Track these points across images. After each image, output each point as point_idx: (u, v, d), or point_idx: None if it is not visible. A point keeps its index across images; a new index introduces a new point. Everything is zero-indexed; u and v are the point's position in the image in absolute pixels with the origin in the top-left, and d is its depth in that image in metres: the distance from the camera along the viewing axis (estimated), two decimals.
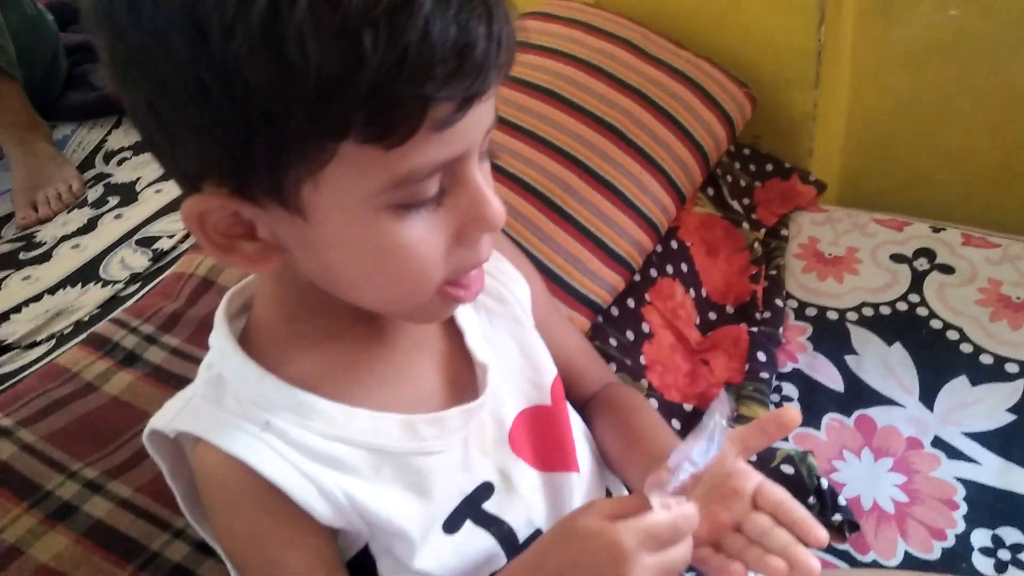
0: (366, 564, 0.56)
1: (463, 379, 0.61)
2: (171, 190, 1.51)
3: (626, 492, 0.71)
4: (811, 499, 0.86)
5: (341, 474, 0.52)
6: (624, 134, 1.11)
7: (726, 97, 1.24)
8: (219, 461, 0.51)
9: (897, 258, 1.16)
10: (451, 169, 0.46)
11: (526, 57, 1.18)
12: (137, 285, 1.27)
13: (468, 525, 0.58)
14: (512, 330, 0.66)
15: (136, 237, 1.41)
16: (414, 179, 0.44)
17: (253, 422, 0.51)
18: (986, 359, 1.00)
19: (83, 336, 0.85)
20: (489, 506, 0.60)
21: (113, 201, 1.56)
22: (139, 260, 1.34)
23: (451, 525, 0.57)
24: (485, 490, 0.60)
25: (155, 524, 0.68)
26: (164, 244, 1.37)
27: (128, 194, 1.57)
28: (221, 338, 0.55)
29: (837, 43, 1.27)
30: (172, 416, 0.54)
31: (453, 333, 0.62)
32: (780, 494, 0.53)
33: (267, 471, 0.50)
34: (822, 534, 0.51)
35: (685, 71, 1.22)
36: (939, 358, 1.01)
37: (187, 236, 1.31)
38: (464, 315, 0.63)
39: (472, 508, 0.59)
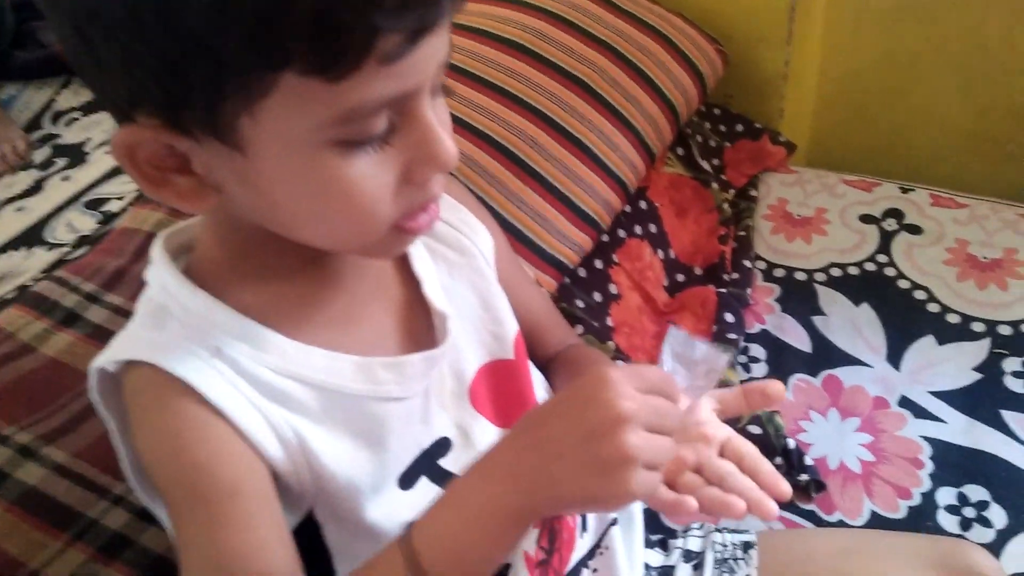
0: (311, 537, 0.52)
1: (420, 328, 0.58)
2: None
3: None
4: (778, 459, 0.85)
5: (291, 412, 0.49)
6: (593, 89, 1.08)
7: (698, 54, 1.21)
8: (160, 383, 0.46)
9: (866, 219, 1.15)
10: (400, 105, 0.43)
11: (491, 8, 1.14)
12: (84, 249, 1.22)
13: (424, 481, 0.56)
14: (473, 282, 0.63)
15: (84, 199, 1.36)
16: (360, 115, 0.41)
17: (202, 347, 0.48)
18: (953, 318, 0.99)
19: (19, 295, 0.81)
20: (446, 463, 0.57)
21: (61, 163, 1.50)
22: (87, 223, 1.29)
23: (407, 480, 0.55)
24: (442, 446, 0.57)
25: (92, 491, 0.64)
26: (113, 206, 1.32)
27: (76, 155, 1.51)
28: (162, 270, 0.51)
29: (810, 1, 1.24)
30: (111, 350, 0.50)
31: (409, 281, 0.59)
32: (748, 447, 0.52)
33: (216, 397, 0.46)
34: (786, 488, 0.50)
35: (656, 25, 1.18)
36: (906, 318, 1.01)
37: (139, 197, 1.26)
38: (421, 264, 0.60)
39: (429, 464, 0.56)
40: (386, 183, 0.45)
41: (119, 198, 1.32)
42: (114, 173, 1.42)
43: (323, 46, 0.38)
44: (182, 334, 0.49)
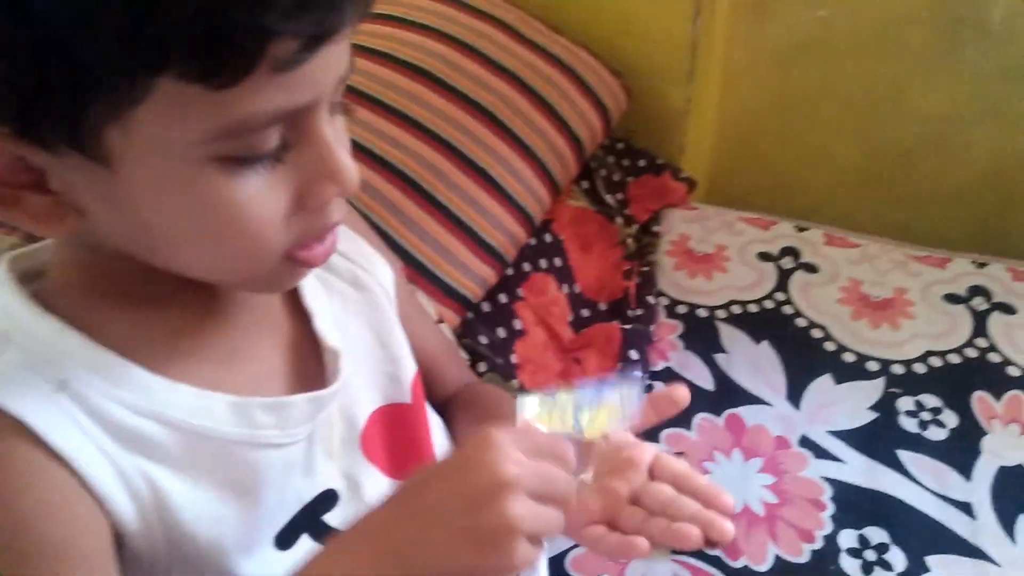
0: None
1: (309, 367, 0.52)
2: None
3: None
4: None
5: (147, 459, 0.43)
6: (498, 118, 1.06)
7: (602, 87, 1.20)
8: None
9: (764, 256, 1.17)
10: (295, 120, 0.39)
11: (395, 32, 1.10)
12: None
13: (304, 540, 0.50)
14: (369, 319, 0.58)
15: None
16: (248, 128, 0.37)
17: (44, 379, 0.41)
18: (849, 357, 1.01)
19: None
20: (331, 518, 0.52)
21: None
22: None
23: (285, 539, 0.49)
24: (327, 499, 0.52)
25: None
26: None
27: None
28: (5, 293, 0.44)
29: (711, 38, 1.26)
30: None
31: (299, 315, 0.54)
32: (680, 465, 0.49)
33: (55, 438, 0.39)
34: (728, 500, 0.47)
35: (561, 57, 1.17)
36: (805, 356, 1.02)
37: None
38: (313, 296, 0.54)
39: (310, 520, 0.51)
40: (277, 206, 0.40)
41: None
42: None
43: (207, 48, 0.33)
44: (21, 362, 0.41)
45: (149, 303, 0.46)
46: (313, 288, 0.55)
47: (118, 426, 0.42)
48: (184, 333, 0.47)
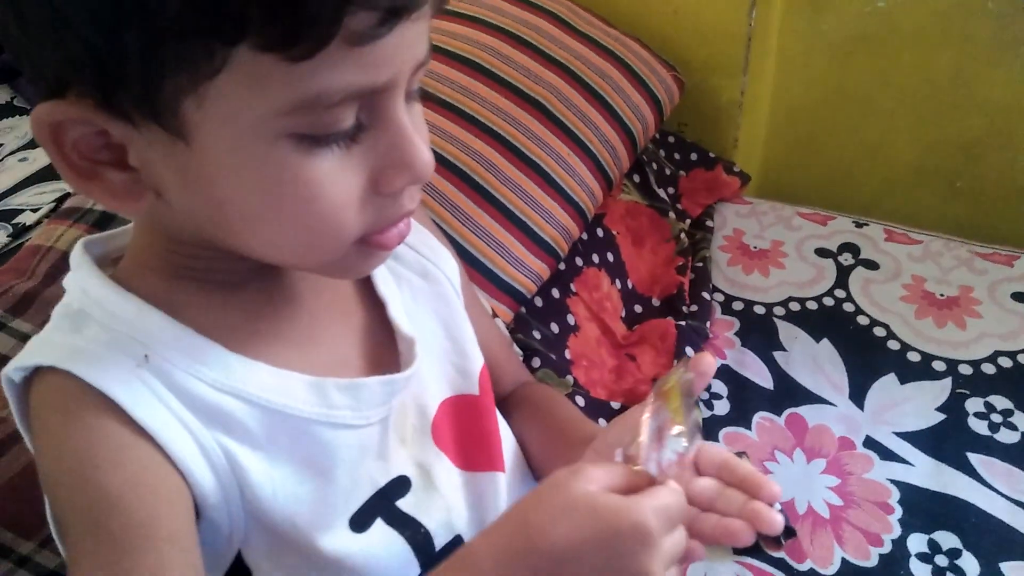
0: None
1: (383, 353, 0.52)
2: (39, 158, 1.35)
3: None
4: None
5: (228, 436, 0.43)
6: (550, 111, 1.04)
7: (655, 79, 1.18)
8: (72, 393, 0.39)
9: (822, 252, 1.14)
10: (371, 102, 0.38)
11: (447, 25, 1.09)
12: None
13: (379, 525, 0.50)
14: (438, 310, 0.58)
15: None
16: (323, 104, 0.36)
17: (126, 355, 0.41)
18: (913, 356, 0.98)
19: None
20: (405, 505, 0.51)
21: None
22: None
23: (359, 522, 0.49)
24: (401, 485, 0.51)
25: None
26: (27, 219, 1.21)
27: None
28: (84, 274, 0.44)
29: (766, 30, 1.24)
30: (19, 356, 0.42)
31: (373, 303, 0.54)
32: (722, 453, 0.46)
33: (140, 413, 0.39)
34: (775, 489, 0.45)
35: (614, 49, 1.16)
36: (867, 355, 0.99)
37: (55, 209, 1.16)
38: (385, 285, 0.54)
39: (384, 505, 0.50)
40: (352, 188, 0.39)
41: (34, 210, 1.21)
42: (29, 182, 1.31)
43: (283, 18, 0.33)
44: (104, 339, 0.42)
45: (225, 287, 0.46)
46: (384, 277, 0.55)
47: (200, 401, 0.42)
48: (260, 316, 0.47)
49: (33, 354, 0.42)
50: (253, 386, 0.44)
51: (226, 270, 0.45)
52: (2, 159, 1.40)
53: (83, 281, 0.44)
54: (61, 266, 0.74)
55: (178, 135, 0.36)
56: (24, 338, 0.69)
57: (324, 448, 0.46)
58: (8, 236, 1.18)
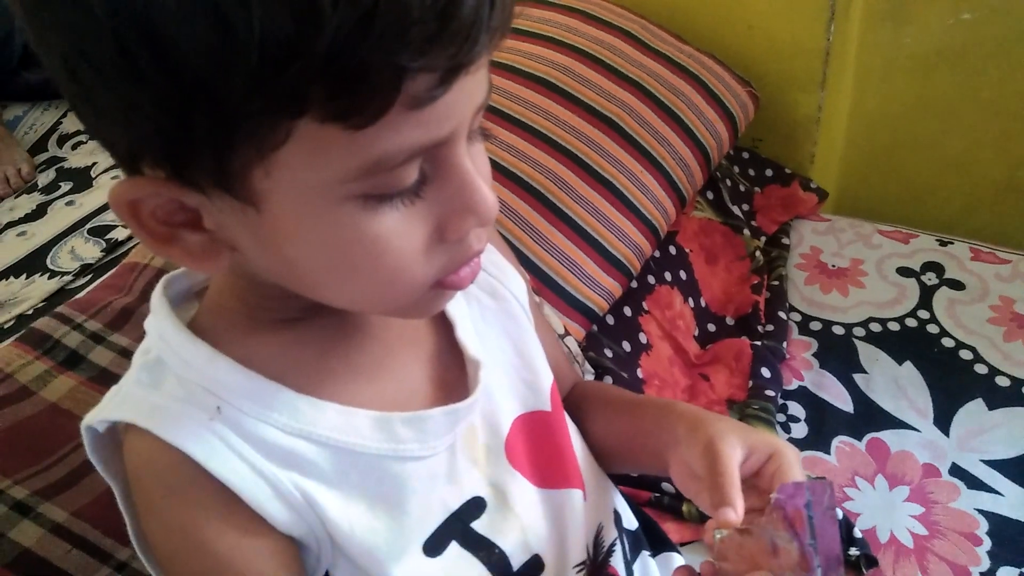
0: None
1: (452, 377, 0.53)
2: None
3: (629, 510, 0.65)
4: None
5: (302, 475, 0.45)
6: (623, 129, 1.04)
7: (729, 95, 1.17)
8: (154, 449, 0.42)
9: (904, 271, 1.11)
10: (433, 154, 0.38)
11: (520, 44, 1.11)
12: (88, 277, 1.17)
13: (454, 548, 0.50)
14: (507, 328, 0.58)
15: (88, 226, 1.31)
16: (387, 166, 0.36)
17: (200, 408, 0.43)
18: (1002, 381, 0.94)
19: (21, 332, 0.75)
20: (479, 526, 0.52)
21: (65, 187, 1.45)
22: (91, 251, 1.24)
23: (433, 546, 0.49)
24: (475, 507, 0.52)
25: (94, 555, 0.58)
26: (119, 234, 1.27)
27: (82, 180, 1.46)
28: (161, 319, 0.46)
29: (844, 44, 1.21)
30: (101, 407, 0.45)
31: (442, 325, 0.55)
32: None
33: (215, 467, 0.42)
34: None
35: (687, 66, 1.15)
36: (953, 379, 0.95)
37: None
38: (455, 306, 0.55)
39: (459, 527, 0.51)
40: (419, 239, 0.40)
41: (125, 226, 1.27)
42: None
43: (343, 90, 0.33)
44: (180, 394, 0.44)
45: (298, 324, 0.47)
46: (454, 298, 0.55)
47: (272, 446, 0.44)
48: (332, 353, 0.48)
49: (116, 409, 0.45)
50: (322, 427, 0.45)
51: (301, 310, 0.47)
52: (96, 177, 1.47)
53: (160, 326, 0.46)
54: (156, 283, 0.78)
55: (248, 202, 0.38)
56: (121, 352, 0.73)
57: (394, 481, 0.48)
58: (102, 251, 1.24)
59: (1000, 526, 0.80)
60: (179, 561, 0.44)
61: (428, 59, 0.33)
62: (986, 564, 0.78)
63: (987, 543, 0.79)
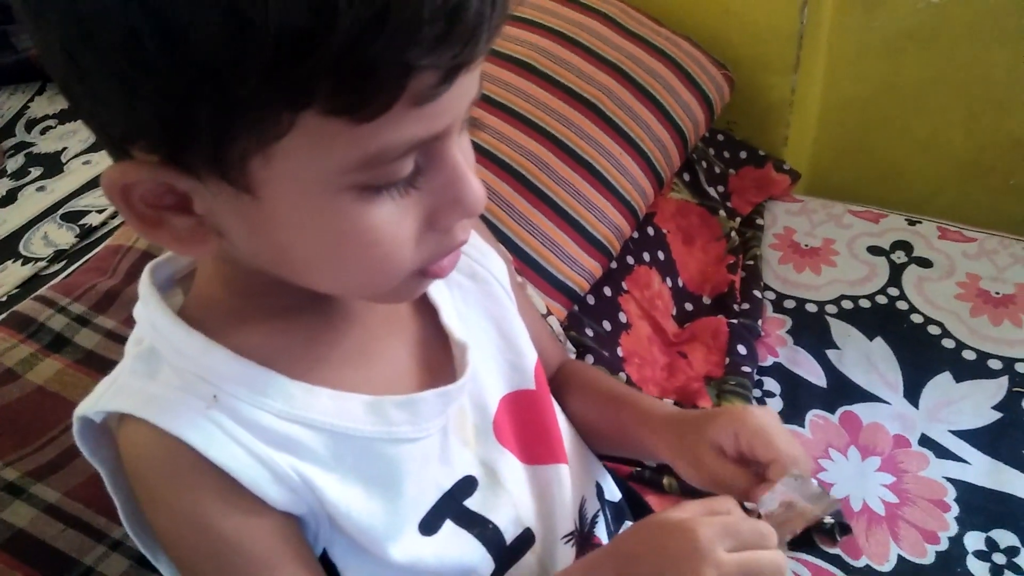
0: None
1: (439, 361, 0.54)
2: (101, 161, 1.39)
3: (613, 483, 0.66)
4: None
5: (299, 459, 0.45)
6: (602, 111, 1.05)
7: (706, 78, 1.19)
8: (153, 439, 0.43)
9: (874, 250, 1.14)
10: (427, 146, 0.39)
11: None
12: (62, 263, 1.15)
13: (449, 526, 0.52)
14: (488, 309, 0.59)
15: (61, 211, 1.29)
16: (385, 159, 0.37)
17: (197, 397, 0.44)
18: (969, 355, 0.98)
19: (3, 316, 0.75)
20: (472, 503, 0.53)
21: (36, 172, 1.43)
22: (64, 236, 1.23)
23: (429, 525, 0.51)
24: (467, 485, 0.53)
25: (88, 534, 0.59)
26: (93, 219, 1.25)
27: (52, 165, 1.44)
28: (152, 309, 0.47)
29: (817, 27, 1.23)
30: (97, 398, 0.46)
31: (426, 311, 0.56)
32: None
33: (214, 454, 0.43)
34: None
35: (664, 49, 1.16)
36: (922, 353, 0.99)
37: None
38: (437, 291, 0.56)
39: (453, 506, 0.52)
40: (409, 230, 0.41)
41: (99, 211, 1.26)
42: (93, 184, 1.36)
43: (352, 85, 0.34)
44: (176, 383, 0.45)
45: (285, 312, 0.48)
46: (436, 283, 0.56)
47: (268, 431, 0.45)
48: (319, 339, 0.49)
49: (112, 399, 0.45)
50: (315, 412, 0.46)
51: (287, 297, 0.47)
52: (67, 162, 1.45)
53: (151, 316, 0.47)
54: (141, 265, 0.77)
55: (244, 190, 0.38)
56: (107, 334, 0.73)
57: (389, 463, 0.49)
58: (76, 237, 1.23)
59: (967, 493, 0.84)
60: (187, 545, 0.44)
61: (435, 57, 0.34)
62: (954, 529, 0.81)
63: (955, 509, 0.82)
